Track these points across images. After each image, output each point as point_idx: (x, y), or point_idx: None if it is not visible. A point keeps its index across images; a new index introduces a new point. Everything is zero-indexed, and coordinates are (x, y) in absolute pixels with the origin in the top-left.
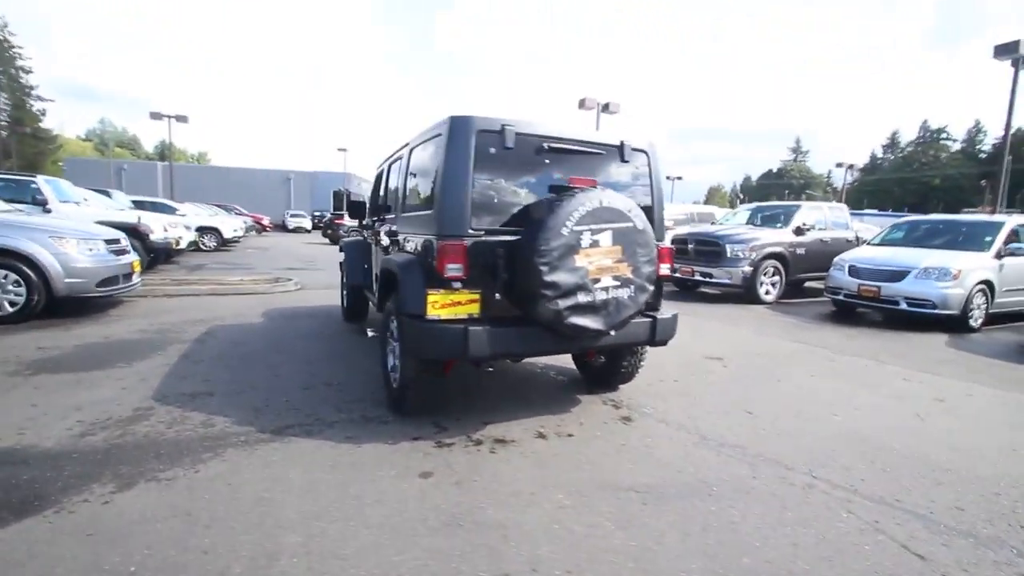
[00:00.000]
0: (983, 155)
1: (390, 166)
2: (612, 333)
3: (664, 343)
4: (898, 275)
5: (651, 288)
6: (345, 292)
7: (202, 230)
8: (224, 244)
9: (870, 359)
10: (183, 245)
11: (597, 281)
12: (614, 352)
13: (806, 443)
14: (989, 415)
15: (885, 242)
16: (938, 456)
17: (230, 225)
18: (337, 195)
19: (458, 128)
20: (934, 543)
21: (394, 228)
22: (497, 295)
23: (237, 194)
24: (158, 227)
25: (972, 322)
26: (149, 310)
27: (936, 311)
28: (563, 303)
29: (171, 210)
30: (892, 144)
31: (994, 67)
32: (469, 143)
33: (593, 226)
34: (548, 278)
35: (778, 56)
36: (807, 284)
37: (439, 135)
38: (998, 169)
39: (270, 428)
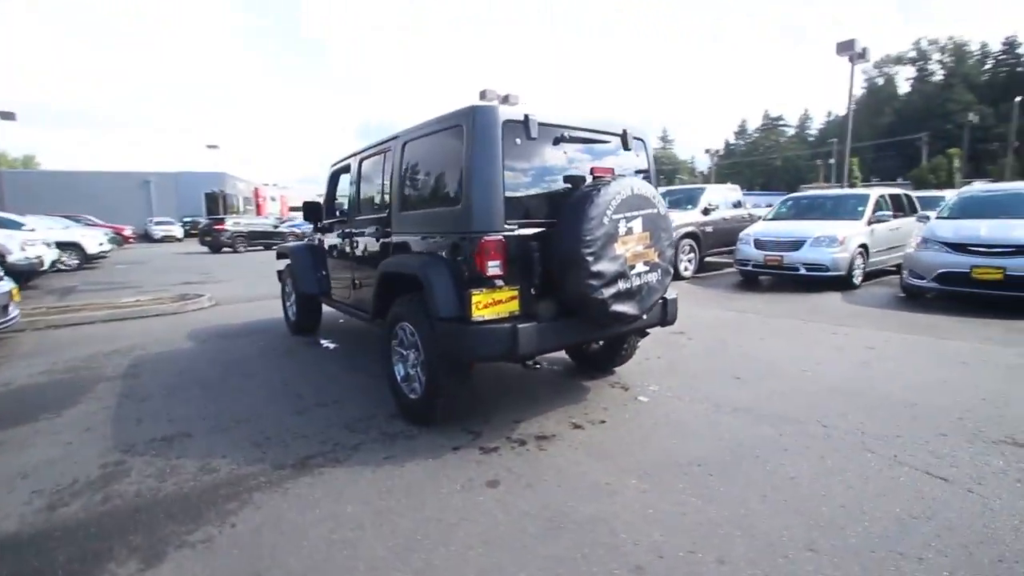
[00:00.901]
0: (811, 138)
1: (361, 164)
2: (644, 317)
3: (673, 323)
4: (796, 244)
5: (672, 272)
6: (292, 303)
7: (61, 246)
8: (88, 261)
9: (796, 319)
10: (46, 266)
11: (632, 267)
12: (619, 336)
13: (800, 399)
14: (912, 356)
15: (778, 217)
16: (900, 395)
17: (94, 239)
18: (212, 198)
19: (484, 119)
20: (944, 466)
21: (384, 229)
22: (532, 290)
23: (84, 202)
24: (14, 246)
25: (855, 280)
26: (41, 346)
27: (829, 273)
28: (607, 291)
29: (17, 225)
30: (741, 131)
31: (827, 63)
32: (497, 134)
33: (628, 214)
34: (594, 268)
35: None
36: (707, 259)
37: (458, 126)
38: (824, 150)
39: (288, 462)
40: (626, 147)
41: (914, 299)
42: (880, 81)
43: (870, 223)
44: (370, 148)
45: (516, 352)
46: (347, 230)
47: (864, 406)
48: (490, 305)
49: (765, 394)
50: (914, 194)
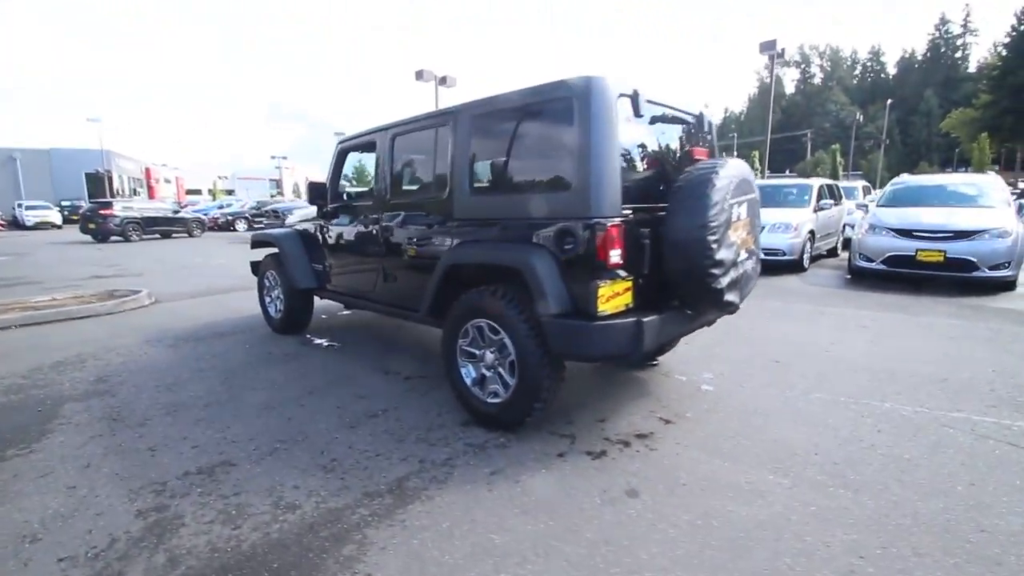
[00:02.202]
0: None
1: (395, 140)
2: (741, 306)
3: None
4: None
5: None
6: (277, 298)
7: None
8: None
9: (777, 300)
10: None
11: (739, 254)
12: None
13: (848, 379)
14: (905, 333)
15: None
16: (925, 370)
17: None
18: (95, 179)
19: (602, 92)
20: (991, 428)
21: (443, 215)
22: (640, 280)
23: None
24: None
25: (804, 263)
26: None
27: (785, 257)
28: (725, 280)
29: None
30: None
31: (730, 62)
32: (612, 109)
33: (739, 198)
34: (718, 255)
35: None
36: None
37: (565, 99)
38: (723, 144)
39: (381, 488)
40: (702, 128)
41: (861, 279)
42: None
43: (815, 210)
44: (412, 122)
45: (640, 349)
46: (374, 215)
47: (906, 383)
48: (612, 298)
49: (814, 376)
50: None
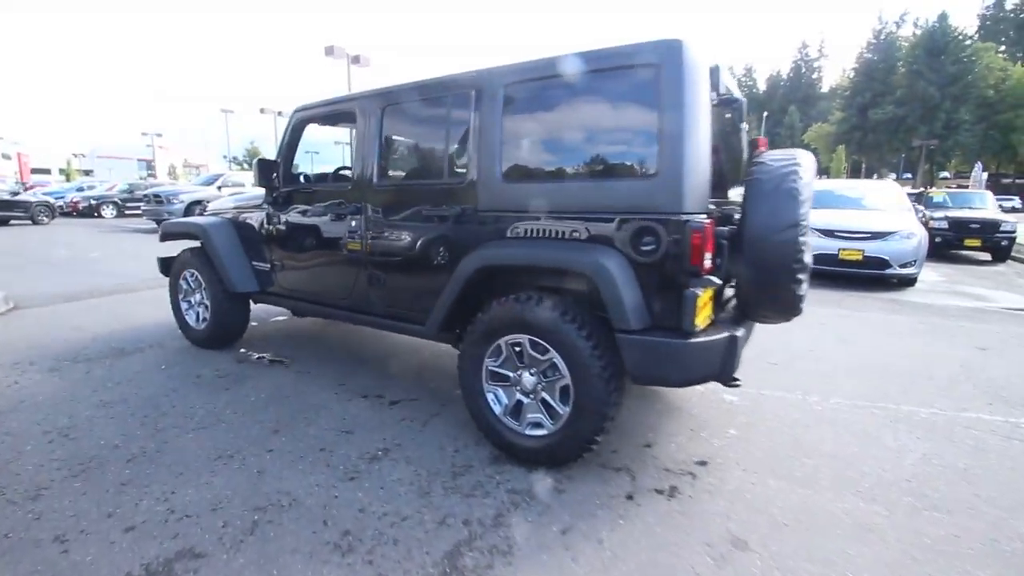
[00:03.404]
0: None
1: (385, 111)
2: None
3: None
4: None
5: None
6: (203, 305)
7: None
8: None
9: None
10: None
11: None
12: None
13: (849, 381)
14: (862, 329)
15: None
16: (906, 365)
17: None
18: None
19: (693, 59)
20: (1007, 428)
21: (463, 204)
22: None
23: None
24: None
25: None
26: None
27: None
28: (805, 285)
29: None
30: None
31: None
32: (705, 81)
33: (808, 195)
34: (805, 258)
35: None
36: None
37: (645, 66)
38: None
39: (428, 571)
40: (741, 119)
41: None
42: None
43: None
44: (413, 90)
45: (734, 368)
46: (353, 204)
47: (902, 383)
48: (703, 310)
49: (818, 380)
50: None
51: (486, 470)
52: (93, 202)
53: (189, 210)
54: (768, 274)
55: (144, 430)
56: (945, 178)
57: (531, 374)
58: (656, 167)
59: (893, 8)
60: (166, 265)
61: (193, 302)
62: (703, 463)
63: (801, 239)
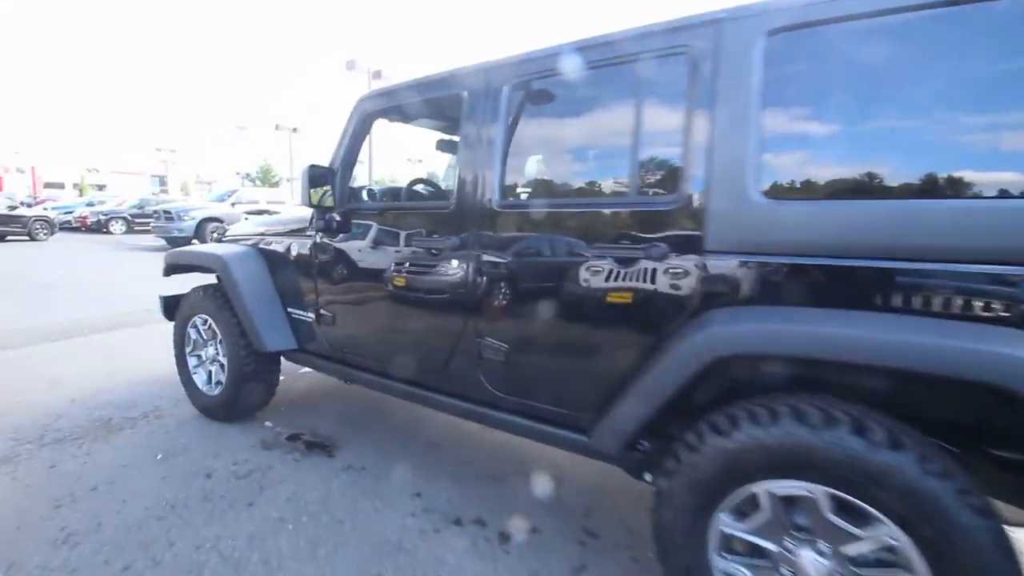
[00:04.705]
0: None
1: (516, 95)
2: None
3: None
4: None
5: None
6: (219, 363)
7: None
8: None
9: None
10: None
11: None
12: None
13: None
14: None
15: None
16: None
17: None
18: None
19: None
20: None
21: (691, 232)
22: None
23: None
24: None
25: None
26: None
27: None
28: None
29: None
30: None
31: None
32: None
33: None
34: None
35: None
36: None
37: None
38: None
39: None
40: None
41: None
42: None
43: None
44: (575, 47)
45: None
46: (461, 232)
47: None
48: None
49: None
50: None
51: None
52: (102, 217)
53: (201, 228)
54: None
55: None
56: None
57: (818, 551)
58: None
59: None
60: (170, 307)
61: (204, 357)
62: None
63: None
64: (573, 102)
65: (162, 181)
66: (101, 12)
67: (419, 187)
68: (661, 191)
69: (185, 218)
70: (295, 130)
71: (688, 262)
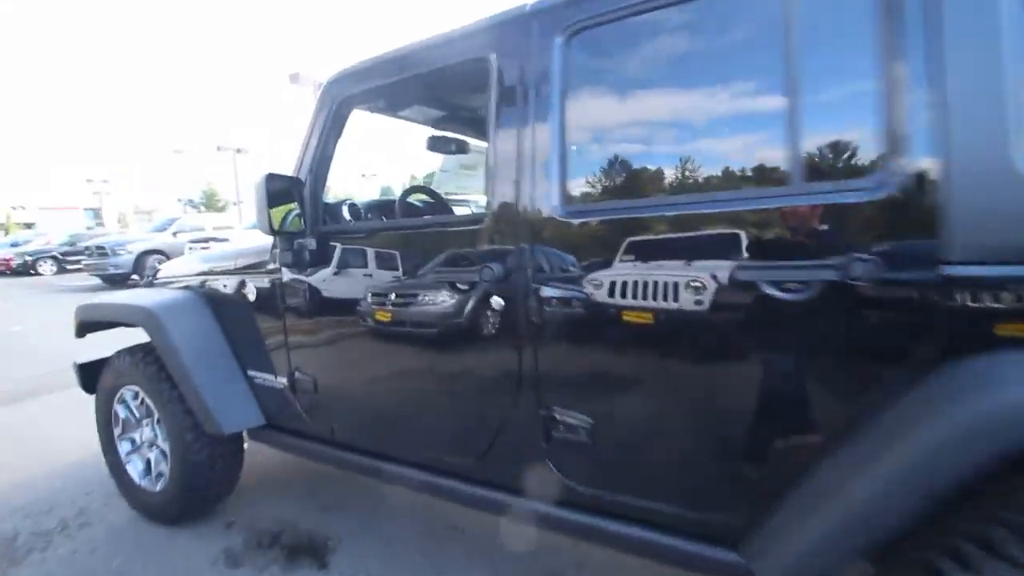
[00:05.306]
0: None
1: (569, 46)
2: None
3: None
4: None
5: None
6: (160, 451)
7: None
8: None
9: None
10: None
11: None
12: None
13: None
14: None
15: None
16: None
17: None
18: None
19: None
20: None
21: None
22: None
23: None
24: None
25: None
26: None
27: None
28: None
29: None
30: None
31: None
32: None
33: None
34: None
35: None
36: None
37: None
38: None
39: None
40: None
41: None
42: None
43: None
44: None
45: None
46: (498, 258)
47: None
48: None
49: None
50: None
51: None
52: (28, 258)
53: (140, 262)
54: None
55: None
56: None
57: None
58: None
59: None
60: (88, 379)
61: (139, 441)
62: None
63: None
64: (677, 47)
65: (97, 214)
66: (15, 36)
67: (416, 198)
68: (854, 172)
69: (121, 252)
70: (239, 150)
71: (915, 283)
